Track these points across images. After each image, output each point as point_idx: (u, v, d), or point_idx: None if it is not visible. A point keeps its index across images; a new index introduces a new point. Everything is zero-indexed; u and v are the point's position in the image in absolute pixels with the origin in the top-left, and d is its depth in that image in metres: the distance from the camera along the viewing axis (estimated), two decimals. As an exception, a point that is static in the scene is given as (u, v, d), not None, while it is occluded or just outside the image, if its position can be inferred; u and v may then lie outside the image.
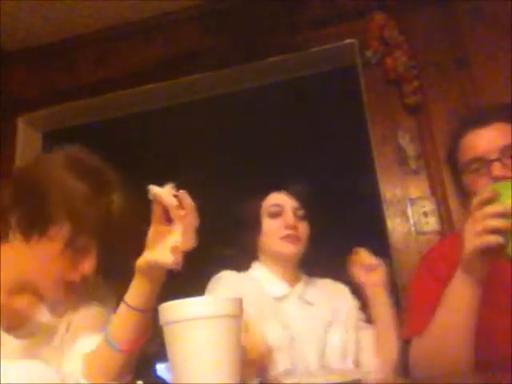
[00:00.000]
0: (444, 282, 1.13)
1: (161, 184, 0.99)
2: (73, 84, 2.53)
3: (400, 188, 2.08)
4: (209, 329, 0.80)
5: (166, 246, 0.97)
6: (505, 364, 1.08)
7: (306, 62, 2.37)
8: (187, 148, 3.37)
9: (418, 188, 2.06)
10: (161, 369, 3.60)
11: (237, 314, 0.83)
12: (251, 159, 3.37)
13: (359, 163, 2.36)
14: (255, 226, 1.56)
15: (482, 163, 1.20)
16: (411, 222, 2.03)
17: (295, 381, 1.03)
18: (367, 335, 1.46)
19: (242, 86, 2.52)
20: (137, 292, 1.00)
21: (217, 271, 1.48)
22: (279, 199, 1.59)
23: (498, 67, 2.03)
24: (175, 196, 0.97)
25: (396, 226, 2.05)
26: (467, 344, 1.07)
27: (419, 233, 2.01)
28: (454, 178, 1.32)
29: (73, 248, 1.03)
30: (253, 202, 1.60)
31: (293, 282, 1.54)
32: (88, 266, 1.05)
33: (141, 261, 0.98)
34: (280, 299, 1.49)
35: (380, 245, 1.94)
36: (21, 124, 2.57)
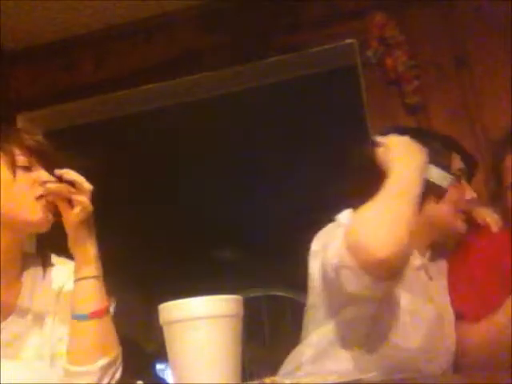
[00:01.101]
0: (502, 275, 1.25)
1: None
2: (73, 84, 2.52)
3: (400, 188, 2.08)
4: (209, 329, 0.80)
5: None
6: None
7: (306, 62, 2.36)
8: (187, 148, 3.37)
9: (417, 188, 2.06)
10: (161, 369, 3.60)
11: (237, 314, 0.83)
12: (251, 159, 3.38)
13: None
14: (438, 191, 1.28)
15: None
16: (411, 221, 2.03)
17: (295, 381, 1.03)
18: None
19: (242, 86, 2.51)
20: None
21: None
22: (461, 164, 1.32)
23: (497, 67, 2.03)
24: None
25: (396, 226, 2.05)
26: None
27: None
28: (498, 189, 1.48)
29: (20, 168, 1.11)
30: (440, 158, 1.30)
31: (422, 253, 1.35)
32: (41, 175, 1.12)
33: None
34: (416, 269, 1.29)
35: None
36: (20, 123, 2.56)
